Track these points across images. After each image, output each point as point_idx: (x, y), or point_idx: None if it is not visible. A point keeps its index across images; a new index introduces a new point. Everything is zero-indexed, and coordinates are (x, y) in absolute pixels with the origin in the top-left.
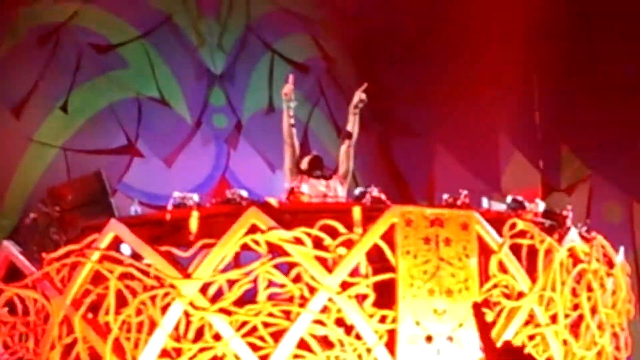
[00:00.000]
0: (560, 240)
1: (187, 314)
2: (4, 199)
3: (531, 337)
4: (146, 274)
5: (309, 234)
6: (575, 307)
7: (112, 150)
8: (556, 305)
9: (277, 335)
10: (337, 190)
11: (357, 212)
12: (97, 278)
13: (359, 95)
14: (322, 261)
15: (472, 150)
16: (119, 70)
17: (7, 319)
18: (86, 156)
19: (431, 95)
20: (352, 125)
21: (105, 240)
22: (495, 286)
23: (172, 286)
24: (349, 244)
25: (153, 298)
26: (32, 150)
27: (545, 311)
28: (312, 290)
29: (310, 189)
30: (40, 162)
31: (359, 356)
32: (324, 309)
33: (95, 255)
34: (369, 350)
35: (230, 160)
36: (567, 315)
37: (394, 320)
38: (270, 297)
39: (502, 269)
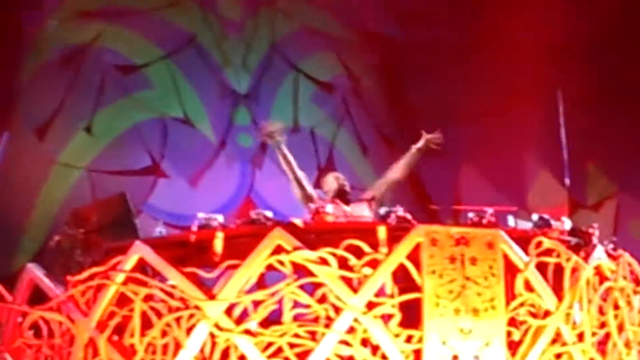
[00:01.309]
0: (586, 258)
1: (212, 335)
2: (29, 221)
3: (558, 356)
4: (171, 295)
5: (334, 254)
6: (602, 325)
7: (137, 171)
8: (583, 324)
9: (302, 356)
10: (363, 211)
11: (382, 231)
12: (122, 300)
13: (431, 139)
14: (348, 281)
15: (498, 168)
16: (143, 91)
17: (33, 342)
18: (110, 177)
19: (457, 113)
20: (407, 162)
21: (130, 262)
22: (521, 305)
23: (197, 307)
24: (374, 264)
25: (178, 319)
26: (56, 172)
27: (572, 329)
28: (337, 310)
29: (335, 209)
30: (65, 184)
31: None
32: (350, 329)
33: (120, 277)
34: None
35: (255, 180)
36: (594, 334)
37: (420, 340)
38: (296, 318)
39: (528, 287)
